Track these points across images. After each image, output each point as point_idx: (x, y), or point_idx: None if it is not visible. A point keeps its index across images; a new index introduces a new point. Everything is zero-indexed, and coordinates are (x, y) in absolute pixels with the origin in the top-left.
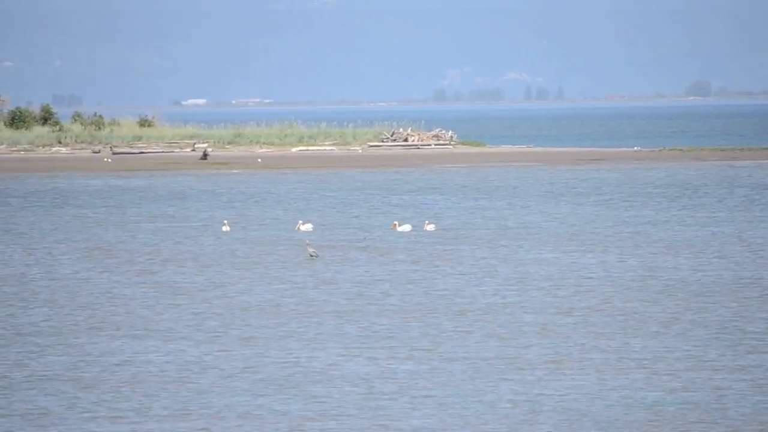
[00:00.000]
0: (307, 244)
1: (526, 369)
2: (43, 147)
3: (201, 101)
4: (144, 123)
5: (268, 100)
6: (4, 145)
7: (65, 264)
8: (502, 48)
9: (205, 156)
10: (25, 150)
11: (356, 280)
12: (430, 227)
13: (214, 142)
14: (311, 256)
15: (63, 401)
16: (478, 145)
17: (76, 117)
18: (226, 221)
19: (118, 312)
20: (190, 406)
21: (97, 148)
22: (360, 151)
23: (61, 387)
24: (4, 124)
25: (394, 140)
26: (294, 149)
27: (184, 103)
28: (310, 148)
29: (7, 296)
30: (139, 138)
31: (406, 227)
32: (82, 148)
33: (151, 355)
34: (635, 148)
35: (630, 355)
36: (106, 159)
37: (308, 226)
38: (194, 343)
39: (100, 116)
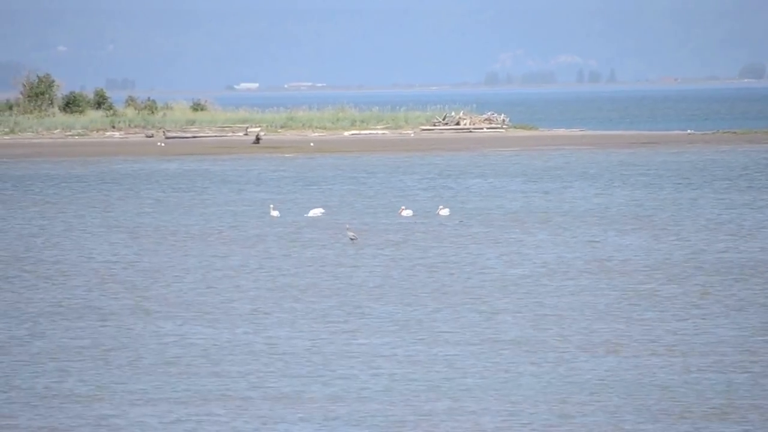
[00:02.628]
0: (347, 228)
1: (584, 351)
2: (97, 131)
3: (253, 85)
4: (197, 107)
5: (320, 84)
6: (58, 130)
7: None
8: (554, 31)
9: (257, 140)
10: (79, 134)
11: (392, 264)
12: (444, 212)
13: (267, 126)
14: (351, 239)
15: (100, 383)
16: (531, 128)
17: (130, 101)
18: (272, 205)
19: (167, 293)
20: (228, 387)
21: (150, 133)
22: (412, 134)
23: (99, 367)
24: (59, 108)
25: (446, 124)
26: (346, 133)
27: (236, 87)
28: (363, 131)
29: (51, 275)
30: (192, 122)
31: (408, 212)
32: (135, 133)
33: (192, 337)
34: (688, 131)
35: (690, 339)
36: (159, 143)
37: (317, 211)
38: (232, 326)
39: (153, 101)
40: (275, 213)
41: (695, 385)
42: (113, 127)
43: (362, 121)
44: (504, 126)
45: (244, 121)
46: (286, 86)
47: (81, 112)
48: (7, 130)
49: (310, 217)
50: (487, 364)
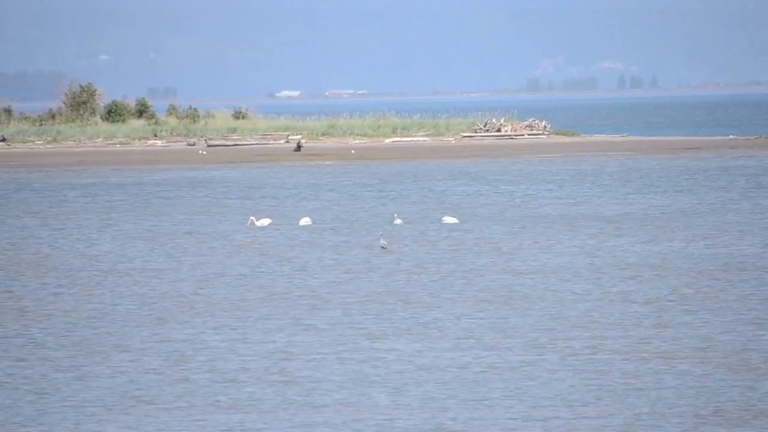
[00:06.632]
0: (381, 235)
1: (637, 358)
2: (139, 140)
3: (295, 93)
4: (238, 115)
5: (361, 92)
6: (100, 139)
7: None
8: (595, 37)
9: (298, 148)
10: (121, 143)
11: (420, 271)
12: (450, 220)
13: (308, 133)
14: (382, 247)
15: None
16: (572, 134)
17: (172, 110)
18: (253, 217)
19: (195, 301)
20: (284, 395)
21: (192, 141)
22: (453, 141)
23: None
24: (101, 117)
25: (488, 130)
26: (387, 140)
27: (277, 94)
28: (404, 139)
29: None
30: (234, 130)
31: (398, 221)
32: (177, 141)
33: (221, 343)
34: (730, 136)
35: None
36: (201, 151)
37: (306, 220)
38: (261, 331)
39: (195, 109)
40: (262, 222)
41: None
42: (155, 135)
43: (403, 128)
44: (545, 132)
45: (285, 129)
46: (327, 94)
47: (123, 120)
48: (49, 139)
49: (302, 226)
50: (558, 369)
